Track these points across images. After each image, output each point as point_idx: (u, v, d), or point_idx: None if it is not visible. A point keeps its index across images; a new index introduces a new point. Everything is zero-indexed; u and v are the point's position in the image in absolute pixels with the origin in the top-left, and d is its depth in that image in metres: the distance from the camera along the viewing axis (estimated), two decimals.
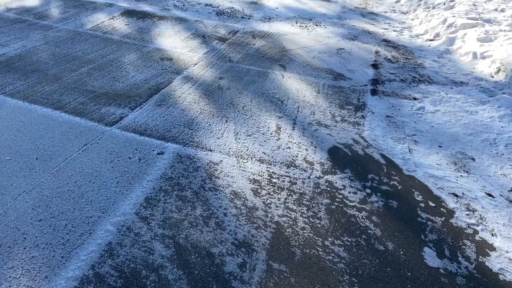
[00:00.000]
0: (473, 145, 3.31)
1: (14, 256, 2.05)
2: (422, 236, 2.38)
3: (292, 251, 2.21)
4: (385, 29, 6.34)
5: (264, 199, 2.57)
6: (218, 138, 3.16)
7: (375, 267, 2.16)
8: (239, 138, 3.19)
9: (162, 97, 3.71)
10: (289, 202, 2.56)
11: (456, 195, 2.74)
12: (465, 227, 2.48)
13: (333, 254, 2.21)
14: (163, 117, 3.39)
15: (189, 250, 2.16)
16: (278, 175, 2.80)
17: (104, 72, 4.12)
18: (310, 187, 2.71)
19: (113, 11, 6.18)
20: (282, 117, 3.55)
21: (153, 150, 2.95)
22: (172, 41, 5.13)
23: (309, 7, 7.36)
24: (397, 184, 2.80)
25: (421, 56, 5.24)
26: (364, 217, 2.49)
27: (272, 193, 2.62)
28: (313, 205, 2.55)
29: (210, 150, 3.00)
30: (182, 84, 4.01)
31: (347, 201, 2.60)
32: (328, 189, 2.70)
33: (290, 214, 2.46)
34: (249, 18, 6.40)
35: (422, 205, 2.63)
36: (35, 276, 1.96)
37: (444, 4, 6.73)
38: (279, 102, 3.80)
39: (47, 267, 2.01)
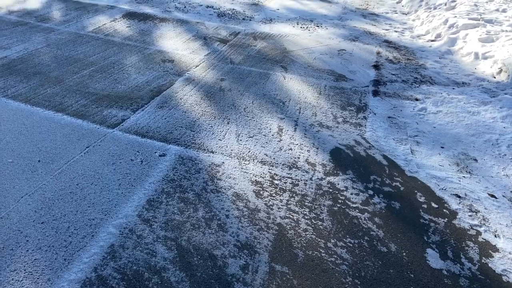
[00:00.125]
0: (476, 146, 3.30)
1: (16, 259, 2.06)
2: (425, 238, 2.37)
3: (295, 253, 2.21)
4: (386, 30, 6.33)
5: (266, 200, 2.56)
6: (220, 139, 3.16)
7: (378, 269, 2.15)
8: (241, 140, 3.19)
9: (163, 99, 3.72)
10: (291, 203, 2.55)
11: (459, 196, 2.73)
12: (468, 228, 2.48)
13: (335, 256, 2.21)
14: (165, 119, 3.40)
15: (192, 252, 2.16)
16: (280, 176, 2.80)
17: (106, 74, 4.13)
18: (312, 188, 2.70)
19: (114, 13, 6.19)
20: (283, 118, 3.55)
21: (155, 152, 2.95)
22: (174, 43, 5.13)
23: (310, 8, 7.37)
24: (400, 185, 2.80)
25: (423, 56, 5.23)
26: (366, 218, 2.48)
27: (274, 195, 2.62)
28: (315, 206, 2.54)
29: (212, 152, 3.00)
30: (184, 86, 4.01)
31: (349, 203, 2.60)
32: (330, 190, 2.70)
33: (292, 215, 2.46)
34: (250, 20, 6.41)
35: (425, 206, 2.62)
36: (37, 278, 1.96)
37: (446, 4, 6.72)
38: (281, 104, 3.80)
39: (50, 269, 2.01)
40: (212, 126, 3.34)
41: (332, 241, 2.30)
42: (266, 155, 3.02)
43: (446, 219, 2.53)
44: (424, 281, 2.10)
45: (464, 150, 3.25)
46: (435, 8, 6.79)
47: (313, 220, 2.44)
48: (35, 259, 2.06)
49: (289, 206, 2.53)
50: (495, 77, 4.50)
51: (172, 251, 2.16)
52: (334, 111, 3.73)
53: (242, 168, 2.85)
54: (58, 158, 2.81)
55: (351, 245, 2.29)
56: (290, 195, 2.63)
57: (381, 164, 3.01)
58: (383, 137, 3.36)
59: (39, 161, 2.77)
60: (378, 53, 5.29)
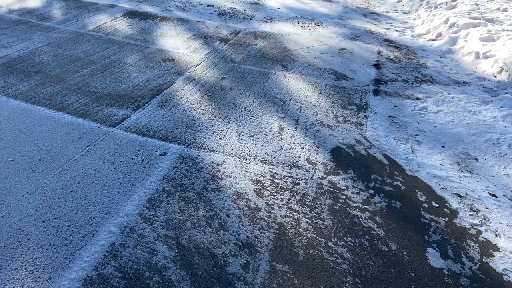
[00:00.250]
0: (476, 145, 3.30)
1: (17, 257, 2.06)
2: (426, 237, 2.37)
3: (295, 252, 2.21)
4: (387, 29, 6.33)
5: (267, 200, 2.56)
6: (220, 138, 3.16)
7: (379, 268, 2.15)
8: (241, 139, 3.18)
9: (164, 98, 3.71)
10: (292, 202, 2.55)
11: (460, 196, 2.73)
12: (468, 227, 2.47)
13: (336, 255, 2.21)
14: (166, 118, 3.39)
15: (192, 251, 2.16)
16: (280, 175, 2.80)
17: (106, 73, 4.12)
18: (313, 187, 2.70)
19: (115, 12, 6.19)
20: (284, 117, 3.55)
21: (156, 151, 2.95)
22: (174, 42, 5.13)
23: (311, 7, 7.36)
24: (400, 185, 2.79)
25: (424, 56, 5.23)
26: (367, 217, 2.48)
27: (275, 194, 2.62)
28: (316, 205, 2.54)
29: (213, 151, 3.00)
30: (184, 85, 4.01)
31: (350, 202, 2.60)
32: (331, 189, 2.70)
33: (293, 214, 2.46)
34: (250, 19, 6.40)
35: (426, 205, 2.62)
36: (38, 277, 1.96)
37: (446, 3, 6.71)
38: (281, 103, 3.80)
39: (51, 268, 2.01)
40: (212, 125, 3.34)
41: (333, 240, 2.30)
42: (267, 154, 3.02)
43: (447, 218, 2.53)
44: (424, 280, 2.10)
45: (465, 149, 3.25)
46: (436, 7, 6.78)
47: (313, 219, 2.44)
48: (36, 258, 2.06)
49: (289, 205, 2.53)
50: (496, 77, 4.49)
51: (173, 250, 2.16)
52: (334, 110, 3.73)
53: (242, 167, 2.85)
54: (58, 157, 2.81)
55: (351, 244, 2.29)
56: (291, 194, 2.63)
57: (382, 163, 3.01)
58: (384, 136, 3.36)
59: (39, 160, 2.77)
60: (379, 52, 5.28)
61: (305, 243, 2.26)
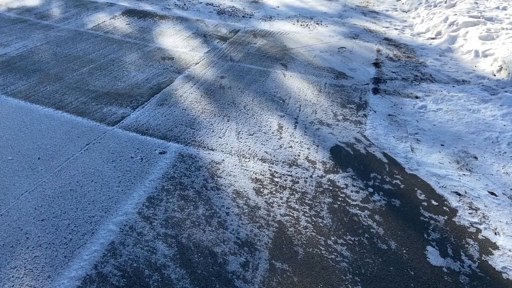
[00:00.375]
0: (476, 144, 3.30)
1: (17, 256, 2.06)
2: (425, 235, 2.38)
3: (295, 250, 2.21)
4: (387, 27, 6.32)
5: (266, 198, 2.56)
6: (220, 137, 3.16)
7: (378, 266, 2.15)
8: (241, 137, 3.18)
9: (163, 97, 3.71)
10: (292, 201, 2.55)
11: (459, 194, 2.73)
12: (468, 225, 2.48)
13: (335, 253, 2.21)
14: (165, 116, 3.39)
15: (192, 249, 2.16)
16: (280, 174, 2.80)
17: (105, 72, 4.12)
18: (312, 186, 2.70)
19: (114, 10, 6.17)
20: (283, 116, 3.55)
21: (155, 150, 2.95)
22: (173, 40, 5.12)
23: (310, 5, 7.35)
24: (400, 183, 2.80)
25: (423, 54, 5.23)
26: (366, 216, 2.49)
27: (274, 192, 2.62)
28: (316, 204, 2.55)
29: (212, 150, 3.00)
30: (184, 83, 4.00)
31: (349, 200, 2.60)
32: (330, 188, 2.70)
33: (293, 213, 2.46)
34: (250, 17, 6.39)
35: (425, 204, 2.63)
36: (38, 275, 1.96)
37: (446, 2, 6.71)
38: (281, 101, 3.80)
39: (50, 266, 2.01)
40: (212, 124, 3.34)
41: (332, 238, 2.30)
42: (266, 153, 3.02)
43: (446, 216, 2.53)
44: (424, 278, 2.11)
45: (464, 148, 3.25)
46: (435, 6, 6.77)
47: (313, 218, 2.44)
48: (35, 256, 2.06)
49: (289, 203, 2.53)
50: (495, 75, 4.49)
51: (172, 248, 2.16)
52: (334, 109, 3.73)
53: (242, 166, 2.85)
54: (58, 156, 2.80)
55: (351, 242, 2.29)
56: (290, 192, 2.63)
57: (381, 161, 3.01)
58: (383, 134, 3.36)
59: (39, 158, 2.76)
60: (378, 51, 5.28)
61: (304, 242, 2.26)
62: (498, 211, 2.61)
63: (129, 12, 6.13)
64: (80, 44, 4.78)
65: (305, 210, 2.49)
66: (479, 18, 5.81)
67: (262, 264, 2.12)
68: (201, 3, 6.97)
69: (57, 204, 2.38)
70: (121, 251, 2.12)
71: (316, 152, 3.08)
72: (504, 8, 6.35)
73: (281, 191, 2.64)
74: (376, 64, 4.82)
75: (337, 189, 2.69)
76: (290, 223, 2.38)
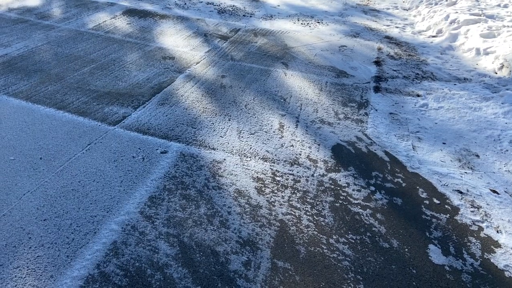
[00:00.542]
0: (477, 142, 3.30)
1: (19, 256, 2.06)
2: (427, 233, 2.37)
3: (297, 249, 2.21)
4: (387, 26, 6.31)
5: (268, 197, 2.56)
6: (221, 136, 3.16)
7: (380, 265, 2.15)
8: (242, 137, 3.18)
9: (164, 96, 3.71)
10: (293, 200, 2.55)
11: (461, 192, 2.73)
12: (470, 224, 2.47)
13: (337, 252, 2.21)
14: (166, 116, 3.39)
15: (194, 248, 2.17)
16: (281, 173, 2.80)
17: (106, 72, 4.12)
18: (314, 185, 2.70)
19: (114, 10, 6.17)
20: (285, 115, 3.55)
21: (157, 149, 2.95)
22: (174, 39, 5.12)
23: (311, 4, 7.34)
24: (401, 182, 2.79)
25: (424, 52, 5.22)
26: (368, 214, 2.48)
27: (276, 191, 2.62)
28: (317, 203, 2.54)
29: (214, 149, 3.00)
30: (185, 82, 4.00)
31: (351, 199, 2.60)
32: (332, 187, 2.70)
33: (294, 212, 2.46)
34: (250, 16, 6.39)
35: (427, 202, 2.62)
36: (40, 275, 1.97)
37: (447, 0, 6.69)
38: (282, 100, 3.79)
39: (53, 266, 2.01)
40: (213, 123, 3.34)
41: (334, 237, 2.30)
42: (268, 152, 3.02)
43: (448, 215, 2.53)
44: (426, 276, 2.11)
45: (466, 146, 3.25)
46: (436, 4, 6.76)
47: (315, 217, 2.44)
48: (37, 256, 2.06)
49: (291, 202, 2.53)
50: (496, 73, 4.48)
51: (174, 247, 2.16)
52: (335, 108, 3.72)
53: (243, 165, 2.85)
54: (59, 156, 2.81)
55: (353, 241, 2.29)
56: (292, 191, 2.63)
57: (383, 160, 3.01)
58: (385, 133, 3.36)
59: (41, 158, 2.77)
60: (379, 49, 5.27)
61: (306, 240, 2.27)
62: (500, 209, 2.60)
63: (129, 12, 6.13)
64: (81, 44, 4.79)
65: (306, 209, 2.49)
66: (480, 15, 5.79)
67: (264, 263, 2.12)
68: (201, 2, 6.97)
69: (59, 204, 2.39)
70: (123, 250, 2.12)
71: (318, 151, 3.08)
72: (506, 6, 6.34)
73: (283, 190, 2.64)
74: (377, 63, 4.81)
75: (338, 188, 2.69)
76: (292, 222, 2.38)
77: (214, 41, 5.17)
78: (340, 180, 2.76)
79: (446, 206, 2.60)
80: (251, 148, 3.05)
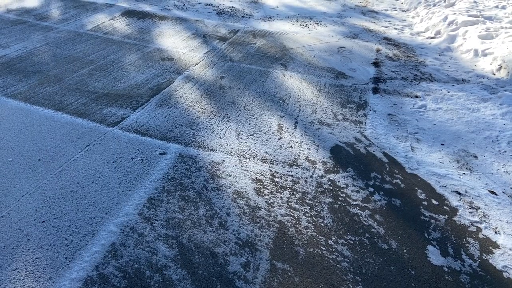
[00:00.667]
0: (476, 143, 3.30)
1: (18, 258, 2.06)
2: (426, 234, 2.38)
3: (296, 250, 2.21)
4: (386, 27, 6.33)
5: (267, 198, 2.57)
6: (220, 137, 3.16)
7: (379, 266, 2.16)
8: (241, 138, 3.18)
9: (163, 97, 3.71)
10: (292, 201, 2.56)
11: (459, 193, 2.74)
12: (468, 225, 2.48)
13: (336, 253, 2.21)
14: (165, 117, 3.39)
15: (193, 250, 2.16)
16: (280, 174, 2.80)
17: (105, 73, 4.12)
18: (312, 186, 2.70)
19: (113, 11, 6.17)
20: (283, 116, 3.55)
21: (155, 151, 2.95)
22: (173, 41, 5.12)
23: (310, 5, 7.35)
24: (400, 183, 2.80)
25: (422, 54, 5.23)
26: (367, 215, 2.49)
27: (274, 193, 2.62)
28: (316, 204, 2.55)
29: (212, 150, 3.00)
30: (183, 84, 4.01)
31: (350, 200, 2.60)
32: (331, 188, 2.70)
33: (293, 213, 2.46)
34: (249, 17, 6.40)
35: (425, 203, 2.63)
36: (39, 277, 1.96)
37: (445, 1, 6.71)
38: (281, 101, 3.80)
39: (51, 268, 2.01)
40: (212, 124, 3.34)
41: (333, 238, 2.31)
42: (267, 153, 3.02)
43: (447, 216, 2.54)
44: (425, 277, 2.11)
45: (464, 147, 3.25)
46: (434, 5, 6.78)
47: (314, 218, 2.44)
48: (36, 258, 2.06)
49: (289, 203, 2.53)
50: (494, 74, 4.50)
51: (173, 249, 2.16)
52: (334, 109, 3.73)
53: (242, 166, 2.85)
54: (58, 157, 2.80)
55: (352, 242, 2.29)
56: (291, 192, 2.63)
57: (382, 161, 3.01)
58: (383, 134, 3.36)
59: (39, 160, 2.76)
60: (377, 50, 5.28)
61: (305, 242, 2.27)
62: (498, 210, 2.61)
63: (128, 13, 6.13)
64: (79, 45, 4.78)
65: (305, 210, 2.49)
66: (478, 17, 5.81)
67: (263, 264, 2.12)
68: (200, 3, 6.97)
69: (58, 205, 2.39)
70: (122, 252, 2.12)
71: (316, 152, 3.08)
72: (503, 7, 6.36)
73: (282, 191, 2.64)
74: (376, 64, 4.82)
75: (337, 189, 2.69)
76: (290, 223, 2.38)
77: (213, 42, 5.18)
78: (339, 181, 2.77)
79: (445, 207, 2.61)
80: (250, 149, 3.05)
